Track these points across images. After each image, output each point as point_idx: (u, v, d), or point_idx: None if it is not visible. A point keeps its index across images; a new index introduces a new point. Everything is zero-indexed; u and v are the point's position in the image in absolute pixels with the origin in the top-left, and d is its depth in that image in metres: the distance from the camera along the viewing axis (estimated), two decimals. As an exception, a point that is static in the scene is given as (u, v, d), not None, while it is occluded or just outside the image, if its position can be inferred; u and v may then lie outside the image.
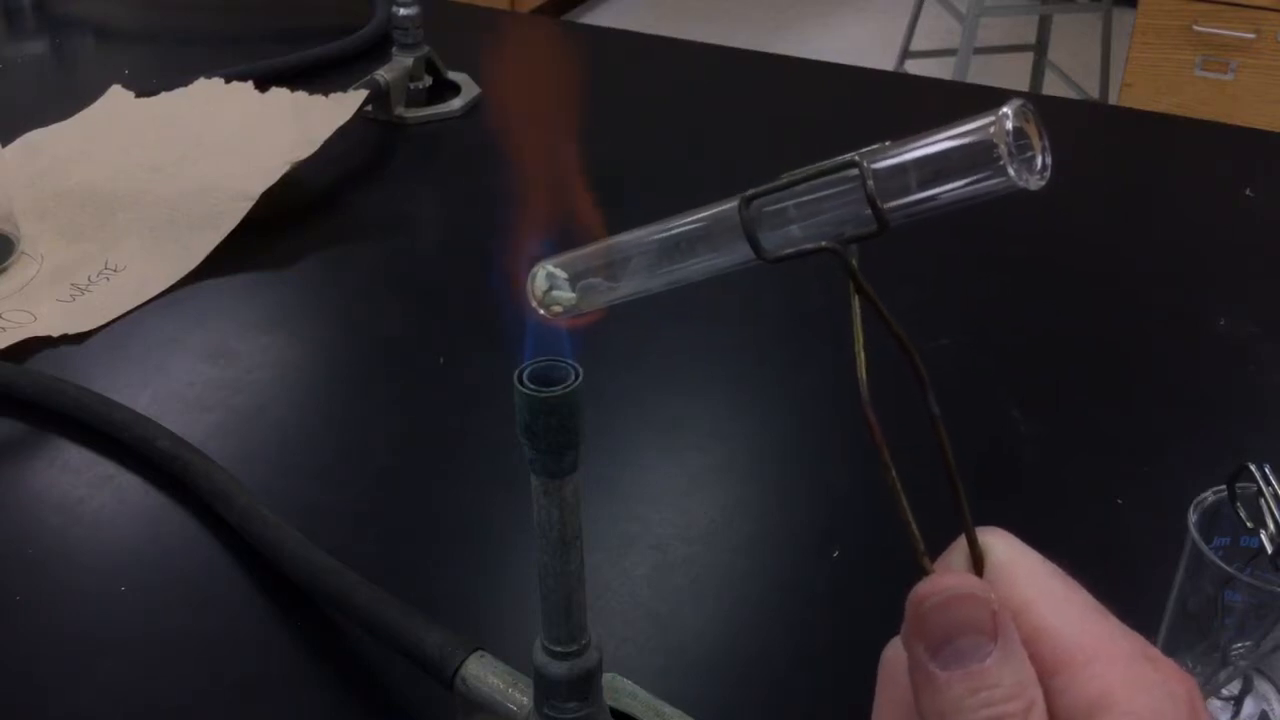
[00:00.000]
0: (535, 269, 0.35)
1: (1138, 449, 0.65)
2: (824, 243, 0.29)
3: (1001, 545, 0.29)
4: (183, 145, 0.92)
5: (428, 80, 1.03)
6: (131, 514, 0.62)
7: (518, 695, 0.45)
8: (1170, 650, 0.50)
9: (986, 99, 1.04)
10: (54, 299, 0.78)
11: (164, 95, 0.98)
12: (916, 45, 2.79)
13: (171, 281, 0.80)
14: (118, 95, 1.00)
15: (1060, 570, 0.29)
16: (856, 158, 0.28)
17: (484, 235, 0.87)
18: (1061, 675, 0.27)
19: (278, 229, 0.85)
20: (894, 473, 0.30)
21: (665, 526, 0.61)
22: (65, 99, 0.99)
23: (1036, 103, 0.29)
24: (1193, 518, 0.47)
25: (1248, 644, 0.47)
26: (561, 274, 0.34)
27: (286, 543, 0.55)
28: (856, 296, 0.30)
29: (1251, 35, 2.43)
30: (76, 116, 0.97)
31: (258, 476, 0.62)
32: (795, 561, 0.60)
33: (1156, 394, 0.70)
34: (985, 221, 0.88)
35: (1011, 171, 0.27)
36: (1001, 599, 0.28)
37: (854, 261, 0.29)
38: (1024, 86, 2.80)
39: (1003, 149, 0.26)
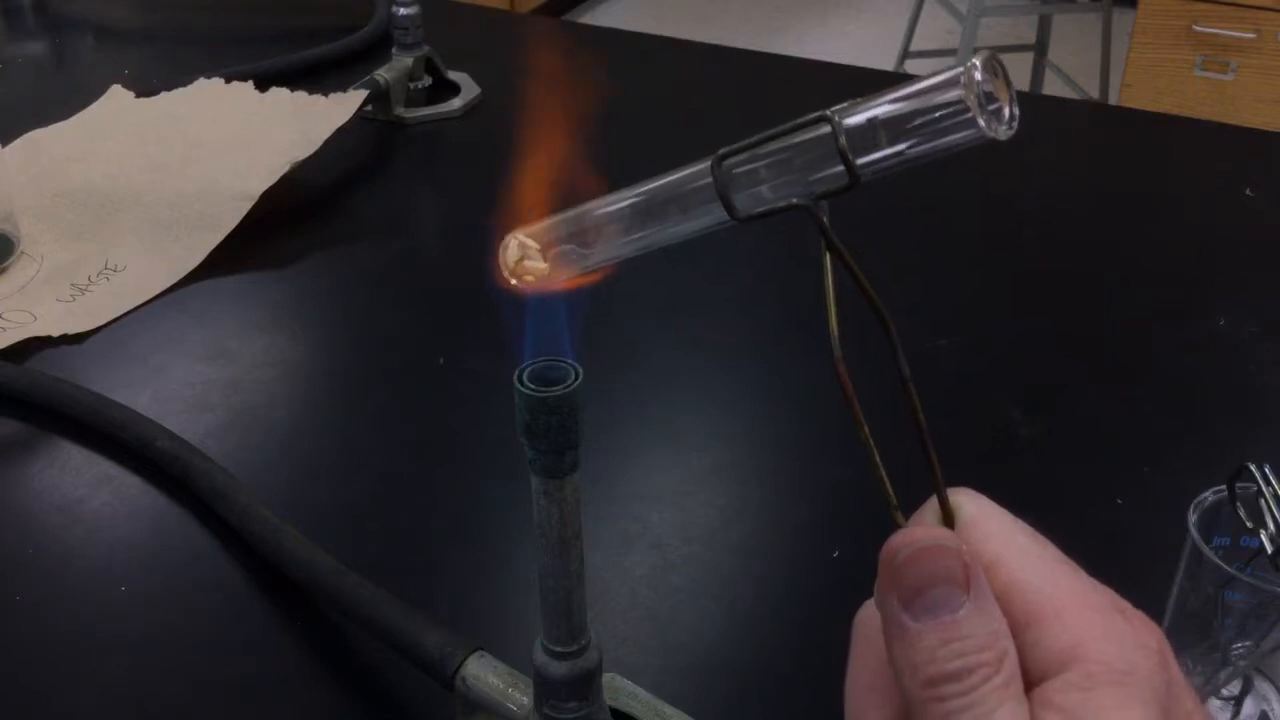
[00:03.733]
0: (507, 238, 0.35)
1: (1138, 449, 0.65)
2: (795, 200, 0.29)
3: (971, 504, 0.29)
4: (183, 145, 0.92)
5: (428, 80, 1.03)
6: (131, 514, 0.62)
7: (518, 695, 0.45)
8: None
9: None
10: (54, 299, 0.78)
11: (164, 95, 0.98)
12: (916, 45, 2.78)
13: (171, 281, 0.80)
14: (118, 95, 1.00)
15: (1029, 527, 0.29)
16: (828, 113, 0.28)
17: (484, 235, 0.87)
18: (1033, 628, 0.27)
19: (278, 229, 0.85)
20: (867, 429, 0.30)
21: (665, 526, 0.61)
22: (65, 99, 0.99)
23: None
24: (1193, 518, 0.47)
25: (1248, 644, 0.47)
26: (533, 244, 0.35)
27: (286, 543, 0.55)
28: (828, 254, 0.30)
29: (1251, 35, 2.43)
30: (76, 116, 0.97)
31: (258, 476, 0.62)
32: (795, 561, 0.60)
33: (1156, 394, 0.70)
34: (985, 221, 0.89)
35: (982, 122, 0.27)
36: (973, 554, 0.28)
37: (825, 218, 0.29)
38: (1024, 86, 2.80)
39: (972, 100, 0.26)
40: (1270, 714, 0.49)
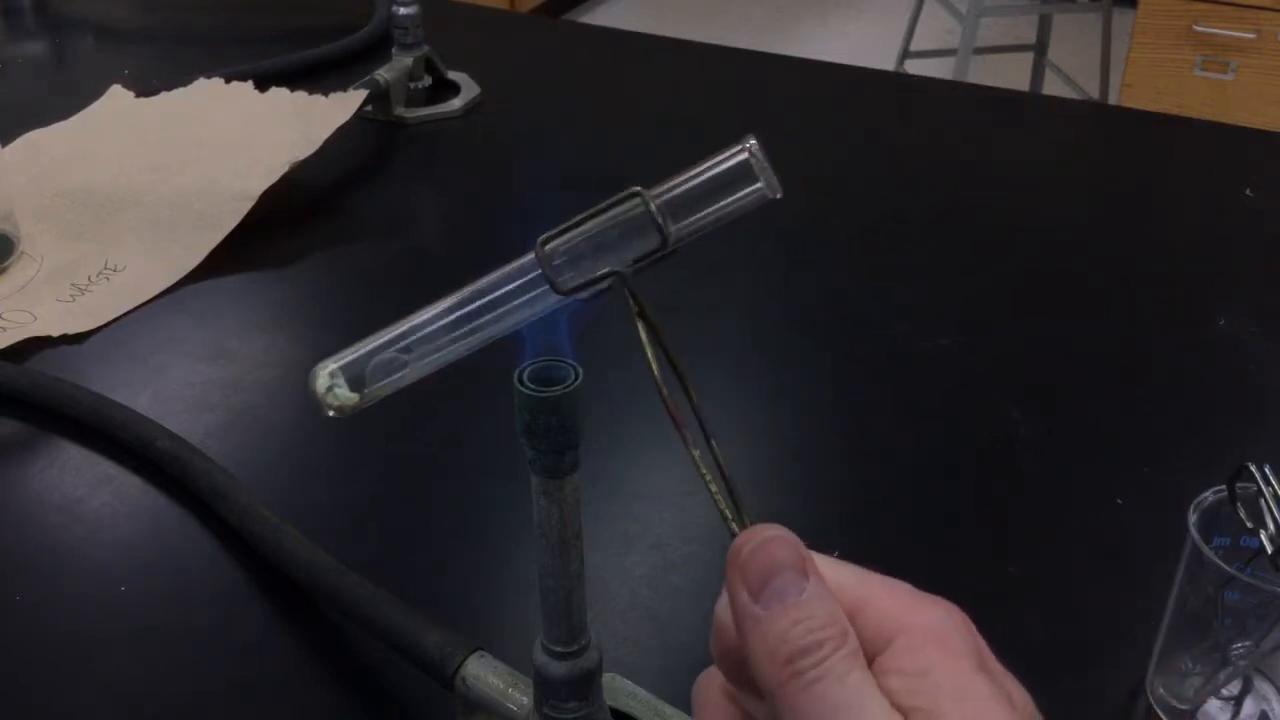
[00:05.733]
0: (315, 368, 0.35)
1: (1138, 449, 0.65)
2: (611, 268, 0.33)
3: (775, 529, 0.32)
4: (183, 145, 0.92)
5: (428, 80, 1.03)
6: (131, 514, 0.62)
7: (518, 695, 0.45)
8: (1170, 650, 0.50)
9: (986, 98, 1.04)
10: (54, 299, 0.78)
11: (164, 95, 0.98)
12: (916, 45, 2.79)
13: (171, 281, 0.80)
14: (118, 95, 1.00)
15: None
16: (638, 189, 0.32)
17: (484, 235, 0.87)
18: (857, 618, 0.30)
19: (278, 229, 0.85)
20: (697, 454, 0.34)
21: (665, 526, 0.61)
22: (65, 99, 0.99)
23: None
24: (1193, 518, 0.47)
25: (1248, 644, 0.47)
26: (340, 375, 0.34)
27: (286, 543, 0.55)
28: (640, 321, 0.33)
29: (1251, 35, 2.43)
30: (76, 116, 0.97)
31: (258, 476, 0.62)
32: (795, 561, 0.60)
33: (1156, 394, 0.70)
34: (985, 221, 0.89)
35: (761, 184, 0.32)
36: None
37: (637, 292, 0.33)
38: (1024, 86, 2.80)
39: (755, 166, 0.32)
40: (1270, 714, 0.49)
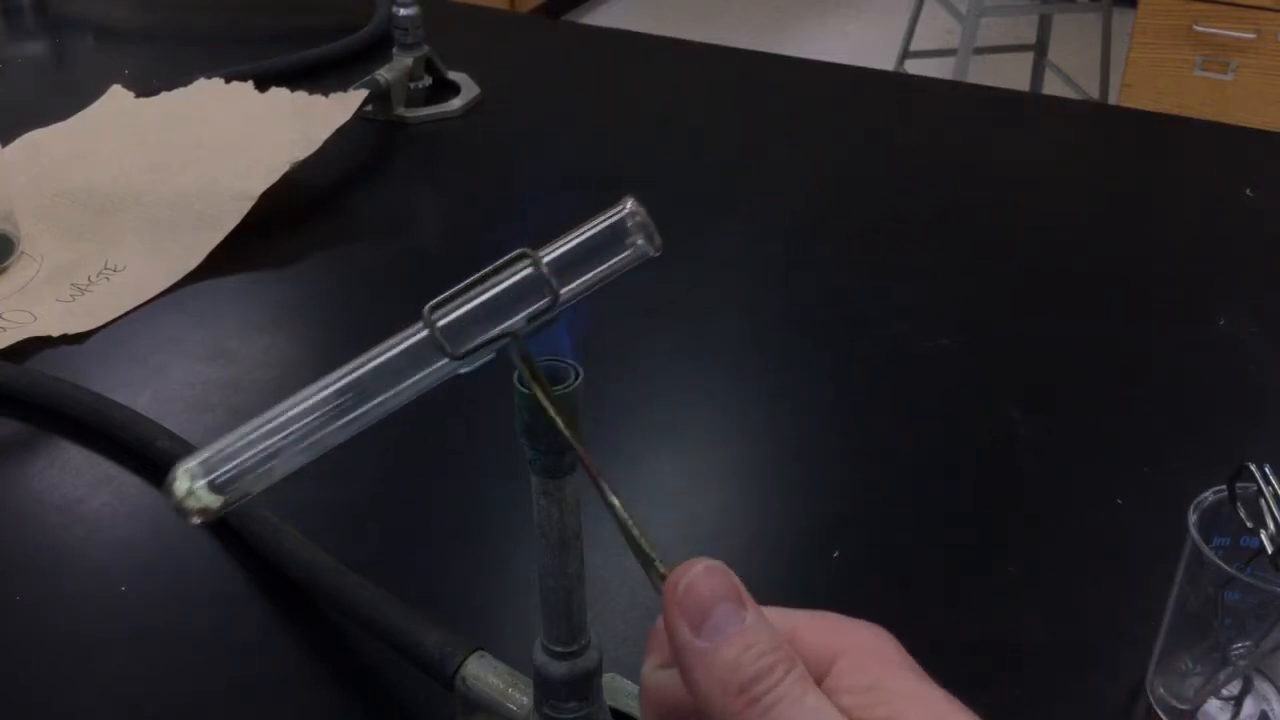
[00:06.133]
0: (174, 470, 0.32)
1: (1138, 449, 0.65)
2: (504, 328, 0.33)
3: (702, 561, 0.32)
4: (183, 145, 0.92)
5: (428, 80, 1.03)
6: (131, 514, 0.62)
7: (518, 695, 0.45)
8: (1170, 650, 0.50)
9: (986, 98, 1.04)
10: (54, 299, 0.78)
11: (164, 95, 0.98)
12: (916, 45, 2.78)
13: (171, 281, 0.80)
14: (118, 95, 1.00)
15: None
16: (526, 250, 0.33)
17: (484, 235, 0.87)
18: (792, 647, 0.30)
19: (278, 229, 0.85)
20: (618, 503, 0.33)
21: (665, 526, 0.61)
22: (65, 99, 0.99)
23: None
24: (1193, 518, 0.47)
25: (1248, 644, 0.47)
26: (201, 476, 0.32)
27: (286, 543, 0.55)
28: (535, 384, 0.33)
29: (1251, 35, 2.43)
30: (76, 116, 0.97)
31: (258, 476, 0.62)
32: (795, 561, 0.60)
33: (1156, 394, 0.70)
34: (985, 221, 0.89)
35: (641, 241, 0.33)
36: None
37: (523, 354, 0.33)
38: (1024, 86, 2.80)
39: (633, 226, 0.33)
40: (1270, 714, 0.49)
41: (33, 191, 0.87)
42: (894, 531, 0.61)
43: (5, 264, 0.81)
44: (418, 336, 0.33)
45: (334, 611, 0.55)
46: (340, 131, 0.89)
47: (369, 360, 0.33)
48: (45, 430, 0.67)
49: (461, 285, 0.33)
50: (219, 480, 0.32)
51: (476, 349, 0.33)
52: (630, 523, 0.33)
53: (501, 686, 0.45)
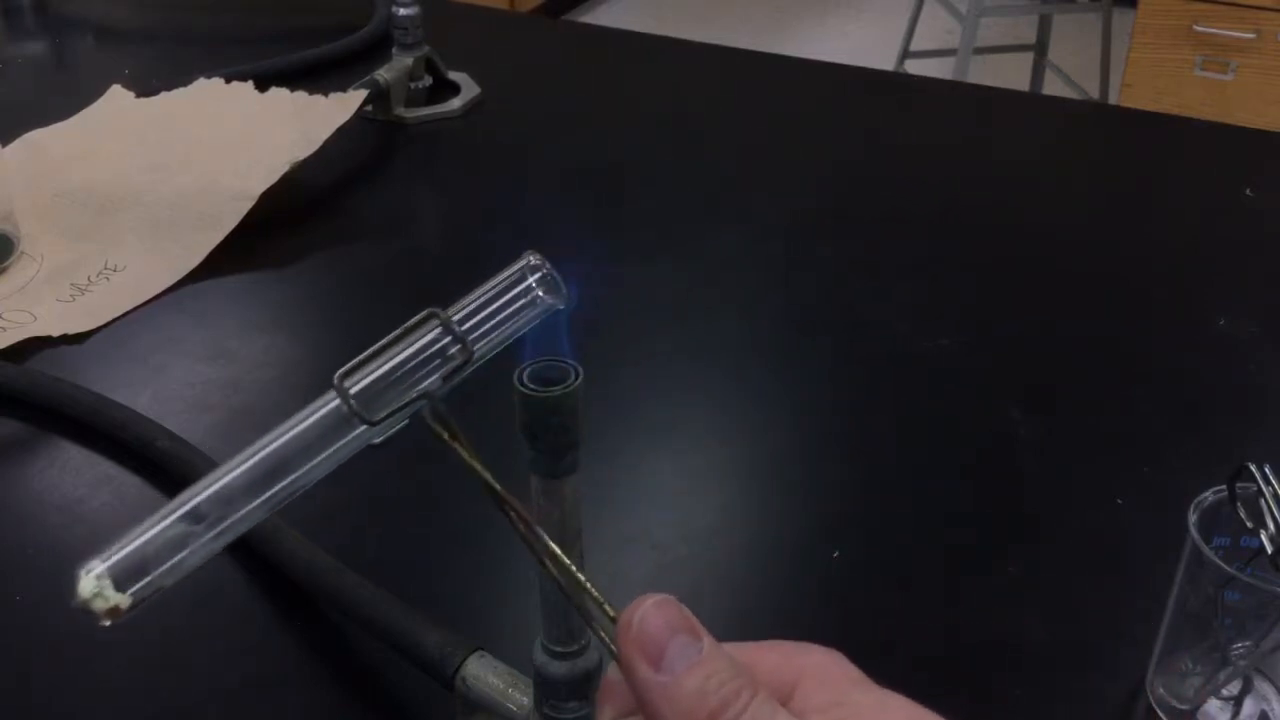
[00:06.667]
0: (80, 570, 0.30)
1: (1138, 449, 0.65)
2: (420, 389, 0.33)
3: (652, 596, 0.32)
4: (183, 145, 0.92)
5: (428, 80, 1.03)
6: (131, 514, 0.62)
7: (518, 695, 0.45)
8: (1170, 650, 0.50)
9: (986, 98, 1.04)
10: (54, 299, 0.78)
11: (164, 95, 0.98)
12: (916, 45, 2.78)
13: (171, 281, 0.80)
14: (118, 95, 1.00)
15: None
16: (435, 310, 0.33)
17: (484, 235, 0.87)
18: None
19: (278, 229, 0.85)
20: (559, 551, 0.33)
21: (665, 527, 0.61)
22: (65, 99, 0.99)
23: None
24: (1193, 518, 0.47)
25: (1248, 644, 0.47)
26: (107, 576, 0.30)
27: (286, 543, 0.55)
28: (454, 442, 0.34)
29: (1251, 35, 2.43)
30: (76, 116, 0.97)
31: (258, 476, 0.62)
32: (795, 562, 0.60)
33: (1156, 394, 0.70)
34: (985, 221, 0.89)
35: (541, 293, 0.34)
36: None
37: (439, 411, 0.34)
38: (1024, 86, 2.80)
39: (535, 280, 0.34)
40: (1270, 714, 0.49)
41: (33, 191, 0.87)
42: (894, 531, 0.61)
43: (5, 264, 0.81)
44: (330, 406, 0.32)
45: (334, 611, 0.55)
46: (340, 131, 0.89)
47: (281, 434, 0.32)
48: (45, 430, 0.67)
49: (370, 350, 0.32)
50: (128, 577, 0.30)
51: (393, 414, 0.32)
52: (574, 568, 0.32)
53: (501, 686, 0.45)
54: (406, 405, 0.33)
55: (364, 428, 0.32)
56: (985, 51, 2.74)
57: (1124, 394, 0.70)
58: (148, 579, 0.30)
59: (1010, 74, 2.88)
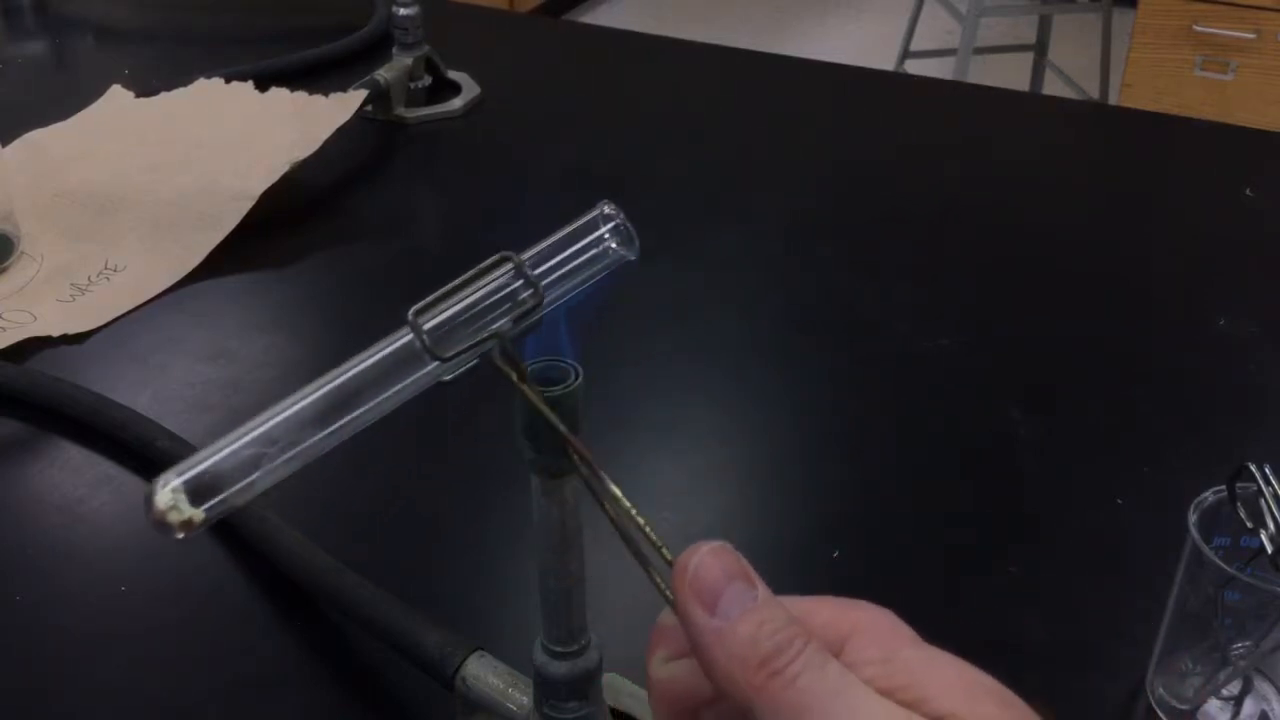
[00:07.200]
0: (155, 482, 0.30)
1: (1138, 449, 0.65)
2: (491, 330, 0.33)
3: (708, 543, 0.32)
4: (183, 145, 0.92)
5: (428, 80, 1.03)
6: (131, 514, 0.62)
7: (518, 695, 0.45)
8: (1170, 650, 0.50)
9: (986, 98, 1.04)
10: (54, 299, 0.78)
11: (164, 95, 0.98)
12: (916, 45, 2.78)
13: (171, 281, 0.80)
14: (118, 95, 1.00)
15: None
16: (509, 253, 0.33)
17: (484, 235, 0.87)
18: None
19: (278, 229, 0.85)
20: (620, 493, 0.32)
21: (665, 526, 0.60)
22: (65, 99, 0.99)
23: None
24: (1193, 518, 0.47)
25: (1248, 644, 0.47)
26: (183, 489, 0.30)
27: (286, 543, 0.55)
28: (523, 385, 0.33)
29: (1251, 35, 2.43)
30: (76, 116, 0.97)
31: (258, 476, 0.62)
32: (795, 561, 0.60)
33: (1156, 394, 0.70)
34: (985, 221, 0.89)
35: (617, 245, 0.34)
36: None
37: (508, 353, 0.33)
38: (1024, 86, 2.80)
39: (610, 228, 0.34)
40: (1270, 714, 0.49)
41: (33, 191, 0.87)
42: (894, 531, 0.61)
43: (5, 264, 0.81)
44: (402, 340, 0.32)
45: (334, 611, 0.55)
46: (340, 131, 0.89)
47: (353, 366, 0.33)
48: (45, 430, 0.67)
49: (444, 289, 0.32)
50: (202, 493, 0.30)
51: (463, 352, 0.32)
52: (634, 511, 0.32)
53: (501, 686, 0.45)
54: (477, 345, 0.32)
55: (434, 364, 0.32)
56: (985, 51, 2.74)
57: (1124, 394, 0.70)
58: (221, 496, 0.31)
59: (1010, 74, 2.88)
